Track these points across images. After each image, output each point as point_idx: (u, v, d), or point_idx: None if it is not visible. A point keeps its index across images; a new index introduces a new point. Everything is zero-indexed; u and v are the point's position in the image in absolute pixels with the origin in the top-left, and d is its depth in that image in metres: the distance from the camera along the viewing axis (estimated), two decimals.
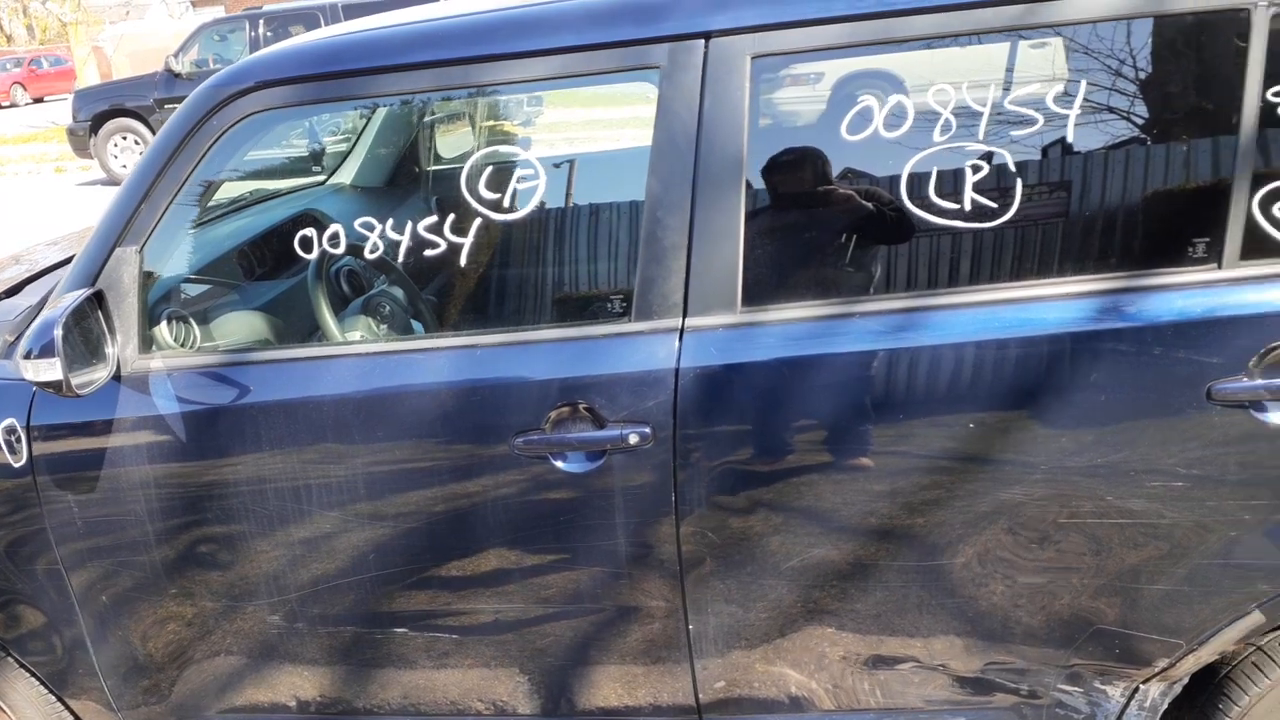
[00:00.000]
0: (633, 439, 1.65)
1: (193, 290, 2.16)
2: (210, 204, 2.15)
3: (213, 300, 2.21)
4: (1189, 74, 1.59)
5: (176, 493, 1.80)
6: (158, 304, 1.91)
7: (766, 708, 1.84)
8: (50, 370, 1.64)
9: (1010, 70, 1.78)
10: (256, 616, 1.89)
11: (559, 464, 1.69)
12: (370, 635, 1.87)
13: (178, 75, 11.19)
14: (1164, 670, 1.71)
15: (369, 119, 3.01)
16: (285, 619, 1.88)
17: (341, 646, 1.89)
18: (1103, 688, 1.74)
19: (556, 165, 2.36)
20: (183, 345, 1.90)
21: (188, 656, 1.95)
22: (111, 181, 11.55)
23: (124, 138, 11.41)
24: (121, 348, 1.79)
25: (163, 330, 1.87)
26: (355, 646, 1.89)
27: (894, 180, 1.65)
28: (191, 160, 1.76)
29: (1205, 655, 1.69)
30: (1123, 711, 1.75)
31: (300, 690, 1.95)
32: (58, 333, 1.63)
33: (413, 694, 1.92)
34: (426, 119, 3.01)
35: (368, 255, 1.81)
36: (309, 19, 10.63)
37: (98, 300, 1.76)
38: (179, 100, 10.91)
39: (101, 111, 11.35)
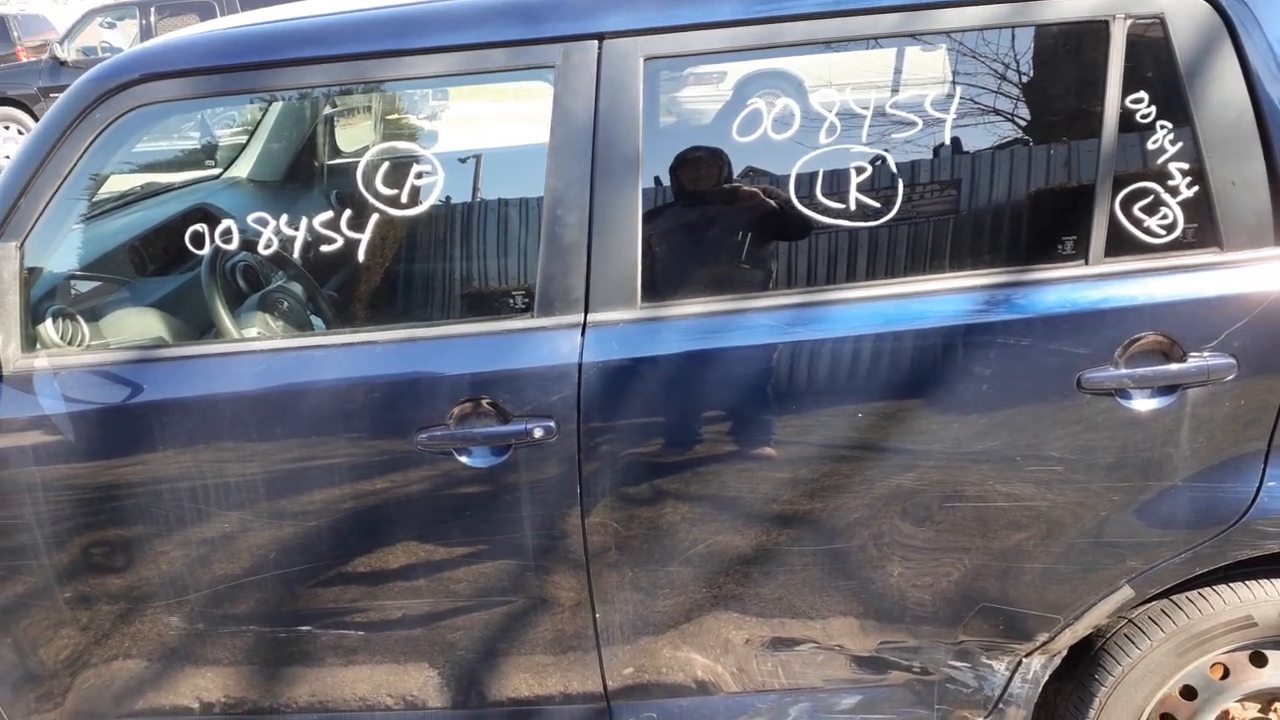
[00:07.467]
0: (537, 433, 1.67)
1: (81, 287, 2.09)
2: (98, 198, 2.08)
3: (103, 297, 2.14)
4: (1057, 81, 1.69)
5: (66, 495, 1.75)
6: (42, 301, 1.84)
7: (673, 692, 1.88)
8: None
9: (898, 73, 1.85)
10: (155, 619, 1.84)
11: (464, 459, 1.70)
12: (274, 634, 1.85)
13: (64, 63, 10.71)
14: (1044, 644, 1.80)
15: (265, 112, 2.94)
16: (185, 620, 1.84)
17: (245, 646, 1.87)
18: (989, 662, 1.83)
19: (454, 161, 2.36)
20: (70, 343, 1.84)
21: (83, 662, 1.89)
22: None
23: (6, 127, 10.87)
24: (3, 347, 1.73)
25: (48, 328, 1.81)
26: (259, 646, 1.86)
27: (784, 180, 1.70)
28: (74, 154, 1.71)
29: (1082, 629, 1.79)
30: (1007, 684, 1.84)
31: (203, 692, 1.91)
32: None
33: (320, 691, 1.90)
34: (324, 113, 2.97)
35: (263, 250, 1.79)
36: (204, 9, 10.27)
37: None
38: (65, 89, 10.40)
39: None
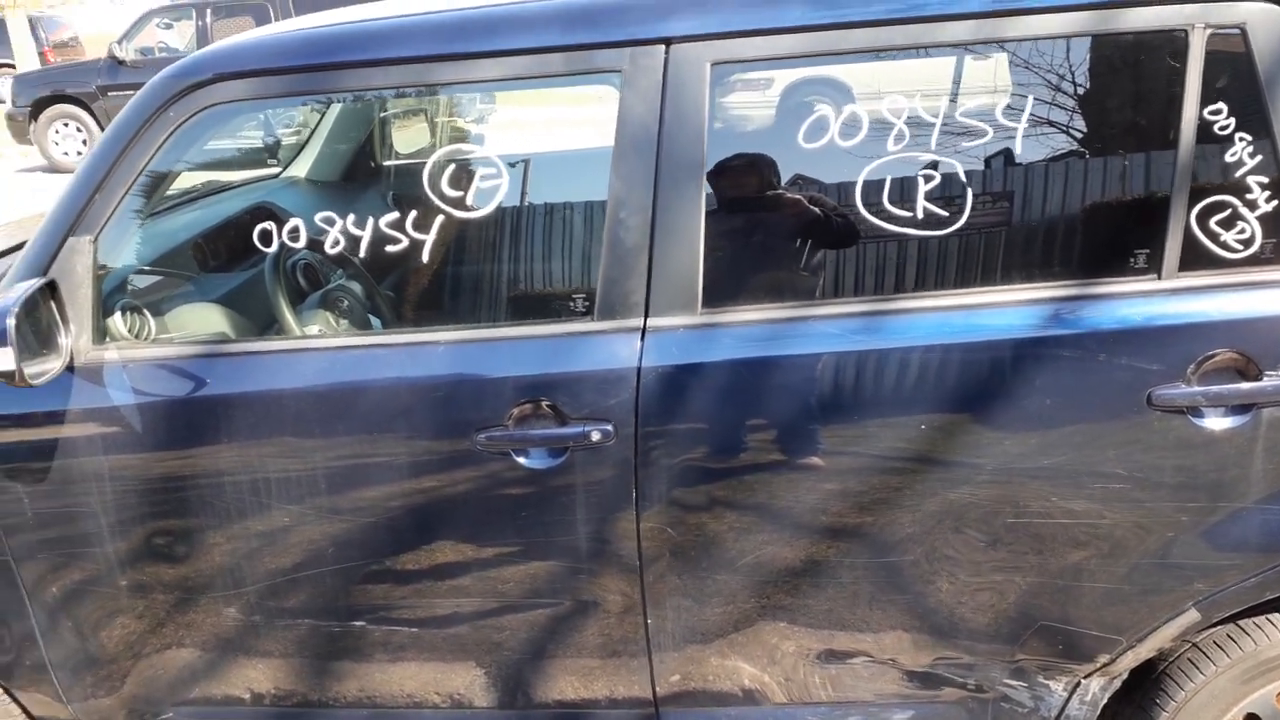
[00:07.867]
0: (595, 436, 1.67)
1: (146, 281, 2.13)
2: (165, 195, 2.11)
3: (168, 292, 2.18)
4: (1131, 91, 1.65)
5: (131, 485, 1.78)
6: (112, 294, 1.88)
7: (721, 701, 1.87)
8: (2, 360, 1.61)
9: (957, 83, 1.83)
10: (211, 609, 1.87)
11: (521, 460, 1.70)
12: (327, 628, 1.87)
13: (122, 62, 10.94)
14: (1105, 666, 1.77)
15: (324, 113, 2.98)
16: (241, 612, 1.86)
17: (297, 640, 1.88)
18: (1046, 682, 1.79)
19: (518, 164, 2.37)
20: (137, 337, 1.87)
21: (140, 649, 1.92)
22: (53, 168, 11.26)
23: (65, 124, 11.12)
24: (75, 338, 1.76)
25: (117, 321, 1.85)
26: (311, 640, 1.88)
27: (849, 187, 1.69)
28: (147, 151, 1.74)
29: (1144, 651, 1.75)
30: (1065, 706, 1.81)
31: (255, 683, 1.94)
32: (10, 322, 1.60)
33: (369, 687, 1.92)
34: (383, 114, 3.00)
35: (328, 250, 1.80)
36: (258, 11, 10.46)
37: (50, 290, 1.73)
38: (123, 88, 10.68)
39: (42, 97, 11.05)
